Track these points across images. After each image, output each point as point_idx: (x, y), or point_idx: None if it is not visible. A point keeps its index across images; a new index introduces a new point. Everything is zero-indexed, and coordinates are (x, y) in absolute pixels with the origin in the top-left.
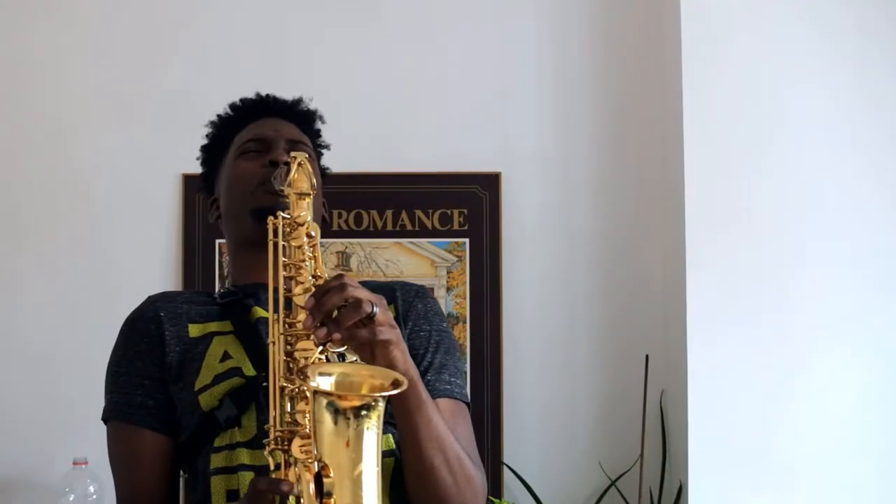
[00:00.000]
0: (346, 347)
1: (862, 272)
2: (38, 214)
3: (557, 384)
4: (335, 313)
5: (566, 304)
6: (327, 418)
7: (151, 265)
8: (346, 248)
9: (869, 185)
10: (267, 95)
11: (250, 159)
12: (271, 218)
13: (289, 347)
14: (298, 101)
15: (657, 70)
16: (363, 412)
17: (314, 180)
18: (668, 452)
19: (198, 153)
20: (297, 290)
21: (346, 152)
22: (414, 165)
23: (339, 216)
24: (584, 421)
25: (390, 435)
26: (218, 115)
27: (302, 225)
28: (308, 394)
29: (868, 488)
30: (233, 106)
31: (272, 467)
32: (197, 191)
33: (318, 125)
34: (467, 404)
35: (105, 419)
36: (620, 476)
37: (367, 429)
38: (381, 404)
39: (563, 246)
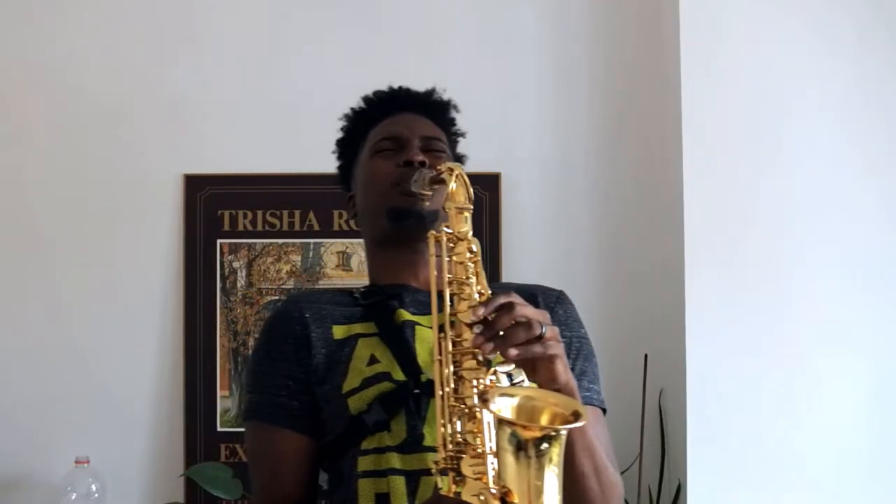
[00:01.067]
0: (513, 366)
1: (859, 272)
2: (41, 214)
3: None
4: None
5: None
6: (509, 445)
7: (153, 265)
8: (347, 248)
9: (867, 186)
10: (400, 89)
11: (385, 158)
12: (433, 232)
13: (455, 366)
14: (431, 93)
15: (656, 71)
16: (545, 444)
17: (472, 192)
18: (666, 451)
19: (334, 149)
20: (462, 307)
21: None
22: None
23: (340, 216)
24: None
25: None
26: (352, 109)
27: (463, 240)
28: (482, 415)
29: (865, 486)
30: (366, 100)
31: (439, 485)
32: (197, 190)
33: (453, 114)
34: (604, 409)
35: (246, 418)
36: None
37: (550, 460)
38: (564, 436)
39: (563, 246)
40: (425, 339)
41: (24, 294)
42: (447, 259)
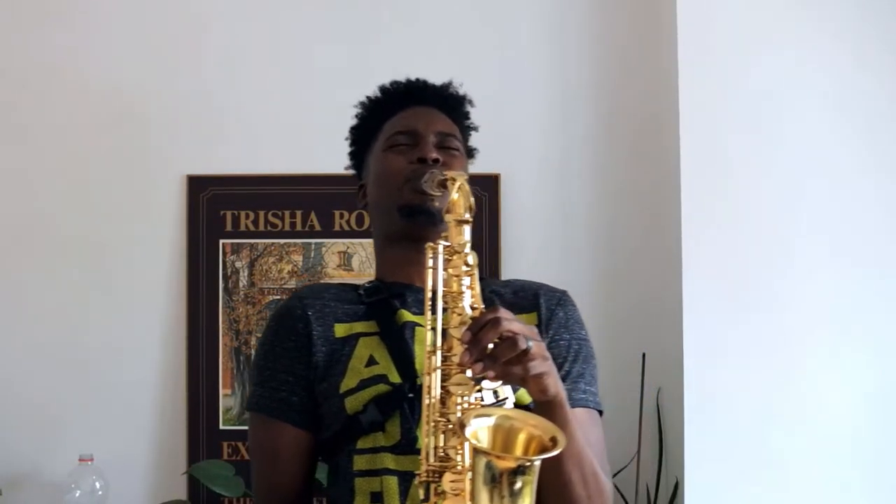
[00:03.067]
0: (500, 383)
1: (856, 270)
2: (46, 215)
3: None
4: (490, 347)
5: None
6: (484, 470)
7: (156, 265)
8: (348, 248)
9: (865, 184)
10: (417, 80)
11: (399, 153)
12: (430, 244)
13: (443, 380)
14: (448, 87)
15: (654, 72)
16: (519, 471)
17: (473, 203)
18: (664, 449)
19: (346, 138)
20: (454, 321)
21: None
22: None
23: (341, 216)
24: None
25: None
26: (367, 98)
27: (460, 253)
28: (462, 437)
29: (863, 484)
30: (383, 90)
31: (421, 497)
32: (199, 191)
33: (467, 108)
34: (600, 412)
35: (249, 409)
36: (617, 472)
37: (524, 484)
38: (537, 464)
39: (562, 246)
40: (424, 341)
41: (27, 293)
42: (442, 272)
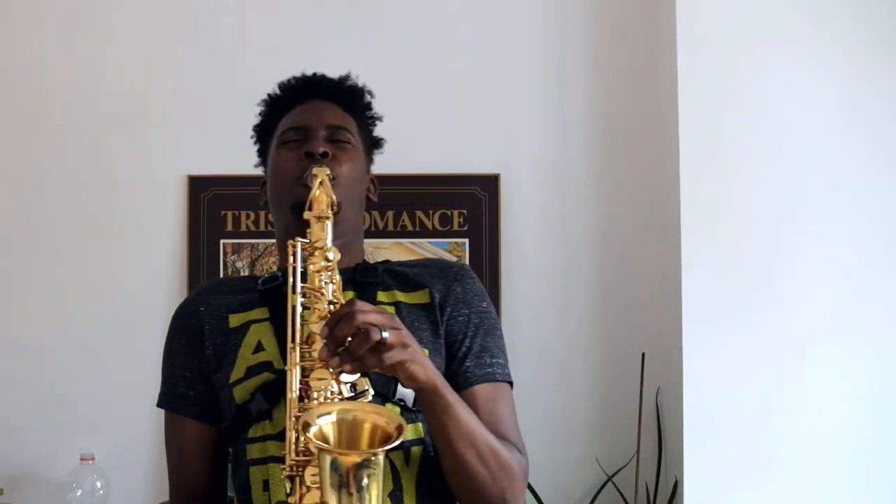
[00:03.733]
0: (359, 375)
1: (855, 269)
2: (46, 215)
3: (555, 381)
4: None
5: (564, 302)
6: (329, 467)
7: (157, 265)
8: None
9: (862, 183)
10: (314, 75)
11: (290, 149)
12: (290, 241)
13: (304, 376)
14: (344, 79)
15: (653, 73)
16: (365, 465)
17: (335, 199)
18: (663, 448)
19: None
20: (313, 317)
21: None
22: (414, 167)
23: None
24: (582, 418)
25: (420, 423)
26: (268, 95)
27: (320, 248)
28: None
29: (861, 483)
30: (281, 86)
31: (287, 490)
32: (200, 191)
33: (368, 98)
34: (510, 383)
35: (158, 405)
36: (617, 472)
37: (369, 475)
38: (381, 457)
39: (561, 246)
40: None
41: (29, 293)
42: (301, 268)
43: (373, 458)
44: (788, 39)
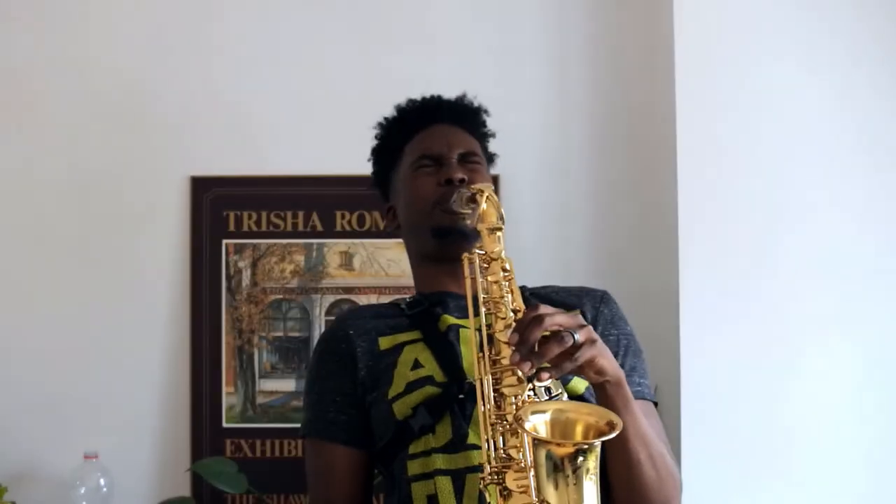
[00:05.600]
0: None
1: (851, 267)
2: (50, 215)
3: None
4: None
5: None
6: (546, 460)
7: (160, 265)
8: (349, 248)
9: (860, 182)
10: (433, 98)
11: (426, 175)
12: (466, 255)
13: (495, 384)
14: (462, 101)
15: (652, 74)
16: (580, 457)
17: (503, 212)
18: None
19: (368, 156)
20: (499, 325)
21: (350, 155)
22: None
23: (343, 217)
24: None
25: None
26: (386, 120)
27: (496, 259)
28: (522, 433)
29: (860, 482)
30: (399, 111)
31: (487, 499)
32: (203, 192)
33: (483, 118)
34: (655, 403)
35: (302, 435)
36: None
37: (587, 471)
38: (598, 448)
39: (560, 245)
40: (470, 341)
41: (33, 292)
42: (481, 279)
43: (588, 450)
44: (787, 38)
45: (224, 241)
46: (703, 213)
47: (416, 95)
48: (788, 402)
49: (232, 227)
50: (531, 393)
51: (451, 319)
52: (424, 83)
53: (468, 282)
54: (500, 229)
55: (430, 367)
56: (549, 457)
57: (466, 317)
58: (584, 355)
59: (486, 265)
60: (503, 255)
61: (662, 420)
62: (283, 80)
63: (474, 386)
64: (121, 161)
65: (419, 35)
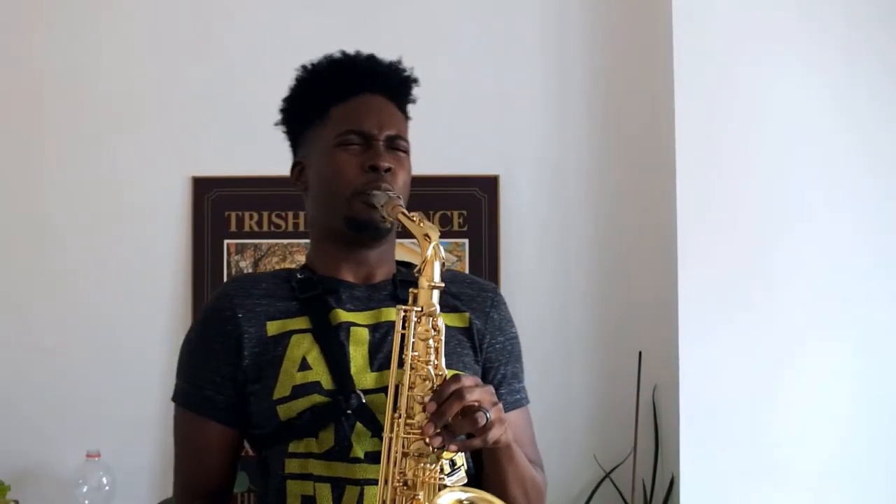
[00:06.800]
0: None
1: (848, 268)
2: (54, 216)
3: (553, 380)
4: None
5: (562, 302)
6: None
7: (163, 265)
8: None
9: (857, 182)
10: (370, 64)
11: (350, 154)
12: (402, 307)
13: (404, 446)
14: (397, 68)
15: (650, 75)
16: None
17: (444, 266)
18: (660, 445)
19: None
20: (418, 388)
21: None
22: (415, 168)
23: None
24: (580, 415)
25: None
26: (312, 68)
27: (430, 316)
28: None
29: (856, 478)
30: (333, 66)
31: None
32: (204, 192)
33: (412, 88)
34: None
35: (174, 401)
36: (614, 468)
37: None
38: None
39: (560, 246)
40: (360, 341)
41: (36, 292)
42: (412, 337)
43: None
44: (784, 43)
45: (225, 242)
46: (702, 214)
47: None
48: (785, 400)
49: (233, 228)
50: (431, 466)
51: (344, 315)
52: (424, 84)
53: (397, 336)
54: (440, 287)
55: (319, 371)
56: None
57: (358, 309)
58: (492, 436)
59: (418, 320)
60: (437, 311)
61: (661, 416)
62: (283, 80)
63: (363, 401)
64: (122, 161)
65: (419, 36)
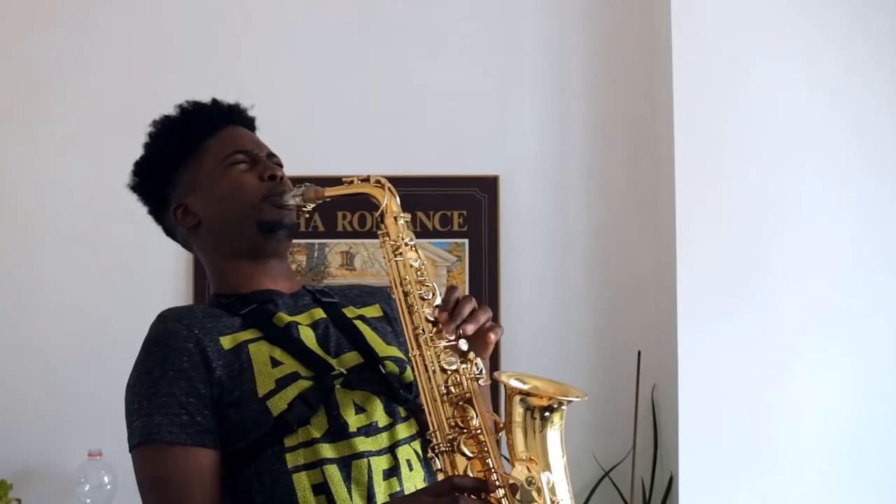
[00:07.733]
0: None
1: (847, 267)
2: (56, 216)
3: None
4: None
5: (562, 301)
6: (520, 416)
7: (164, 265)
8: (351, 248)
9: (856, 182)
10: (220, 103)
11: (243, 171)
12: (387, 239)
13: (434, 357)
14: (243, 108)
15: (650, 77)
16: (548, 412)
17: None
18: (659, 445)
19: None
20: (421, 305)
21: (350, 156)
22: (415, 168)
23: (344, 217)
24: (579, 415)
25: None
26: (173, 119)
27: (407, 245)
28: (474, 400)
29: (854, 475)
30: (189, 109)
31: (437, 467)
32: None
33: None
34: None
35: (144, 442)
36: (613, 467)
37: (551, 424)
38: (565, 408)
39: (559, 246)
40: (309, 338)
41: (38, 292)
42: (397, 262)
43: (556, 409)
44: (783, 44)
45: None
46: (701, 214)
47: (417, 100)
48: (783, 399)
49: None
50: (465, 366)
51: (287, 317)
52: (424, 88)
53: (392, 264)
54: (406, 218)
55: (290, 364)
56: (526, 407)
57: (296, 313)
58: (498, 333)
59: (395, 249)
60: (412, 240)
61: (660, 415)
62: (284, 80)
63: (345, 374)
64: (123, 162)
65: (420, 37)
